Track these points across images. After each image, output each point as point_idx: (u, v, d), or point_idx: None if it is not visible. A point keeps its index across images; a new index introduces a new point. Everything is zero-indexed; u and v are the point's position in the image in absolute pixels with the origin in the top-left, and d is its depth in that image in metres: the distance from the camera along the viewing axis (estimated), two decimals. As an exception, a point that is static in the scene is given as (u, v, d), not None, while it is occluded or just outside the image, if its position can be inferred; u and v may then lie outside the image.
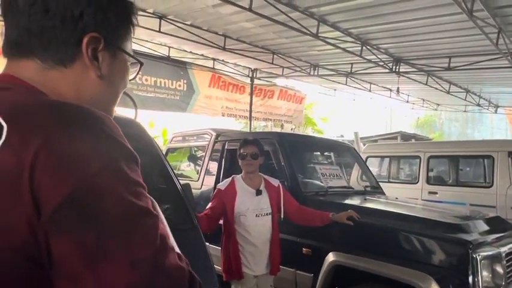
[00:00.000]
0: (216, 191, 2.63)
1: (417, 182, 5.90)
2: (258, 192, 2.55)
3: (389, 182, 6.13)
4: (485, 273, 2.11)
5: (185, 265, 0.51)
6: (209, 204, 2.54)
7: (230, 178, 2.63)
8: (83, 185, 0.46)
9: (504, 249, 2.27)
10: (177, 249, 0.54)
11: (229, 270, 2.50)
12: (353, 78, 9.24)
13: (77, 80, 0.59)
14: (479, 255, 2.10)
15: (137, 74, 0.71)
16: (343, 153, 4.58)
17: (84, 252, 0.45)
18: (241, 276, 2.47)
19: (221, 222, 2.60)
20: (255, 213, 2.51)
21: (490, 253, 2.17)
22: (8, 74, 0.57)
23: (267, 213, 2.54)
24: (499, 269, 2.18)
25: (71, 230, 0.45)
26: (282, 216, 2.60)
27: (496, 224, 2.68)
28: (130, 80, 0.68)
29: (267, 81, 9.73)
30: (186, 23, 6.03)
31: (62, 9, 0.56)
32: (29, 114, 0.49)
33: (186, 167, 5.16)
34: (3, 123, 0.48)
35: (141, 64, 0.70)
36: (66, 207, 0.45)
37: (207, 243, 2.08)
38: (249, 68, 9.05)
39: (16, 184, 0.45)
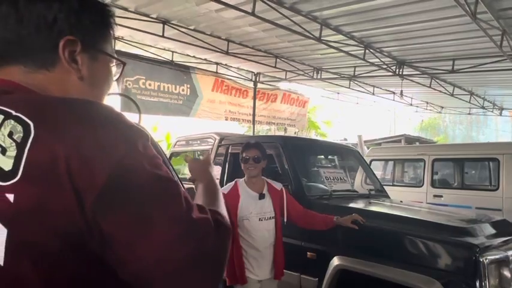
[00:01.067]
0: None
1: (422, 185, 5.87)
2: (261, 196, 2.54)
3: (393, 185, 6.10)
4: (492, 278, 2.09)
5: (208, 216, 0.61)
6: None
7: (233, 182, 2.63)
8: (117, 168, 0.52)
9: (511, 253, 2.24)
10: (200, 203, 0.65)
11: (233, 274, 2.48)
12: (356, 82, 9.23)
13: (61, 82, 0.62)
14: (486, 259, 2.07)
15: (121, 74, 0.75)
16: (347, 156, 4.56)
17: (133, 222, 0.52)
18: (245, 281, 2.45)
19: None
20: (258, 217, 2.50)
21: (497, 257, 2.14)
22: (2, 78, 0.60)
23: (270, 217, 2.53)
24: (507, 273, 2.16)
25: (117, 208, 0.52)
26: (285, 220, 2.59)
27: (502, 227, 2.65)
28: (113, 80, 0.71)
29: (270, 85, 9.74)
30: (190, 27, 6.07)
31: (35, 17, 0.59)
32: (49, 110, 0.54)
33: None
34: (28, 121, 0.52)
35: (124, 64, 0.74)
36: (109, 190, 0.51)
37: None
38: (252, 72, 9.07)
39: (55, 175, 0.50)
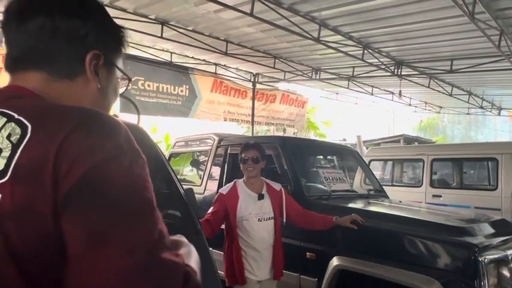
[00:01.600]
0: (218, 195, 2.61)
1: (421, 185, 5.88)
2: (260, 197, 2.54)
3: (392, 185, 6.11)
4: (491, 277, 2.09)
5: (181, 263, 0.54)
6: (211, 209, 2.52)
7: (232, 182, 2.63)
8: (94, 170, 0.50)
9: (510, 252, 2.24)
10: (178, 251, 0.58)
11: (232, 275, 2.49)
12: (355, 82, 9.24)
13: (79, 92, 0.65)
14: (485, 259, 2.08)
15: (126, 88, 0.80)
16: (346, 156, 4.56)
17: (86, 232, 0.48)
18: (245, 282, 2.45)
19: (223, 227, 2.59)
20: (257, 218, 2.50)
21: (496, 256, 2.15)
22: (16, 85, 0.62)
23: (269, 218, 2.53)
24: (506, 272, 2.16)
25: (77, 211, 0.49)
26: (284, 221, 2.59)
27: (501, 227, 2.65)
28: (120, 94, 0.76)
29: (269, 85, 9.74)
30: (188, 28, 6.07)
31: (69, 30, 0.63)
32: (50, 114, 0.55)
33: (188, 172, 5.16)
34: (27, 123, 0.53)
35: (130, 80, 0.79)
36: (77, 190, 0.49)
37: (210, 248, 2.07)
38: (251, 72, 9.08)
39: (41, 176, 0.50)
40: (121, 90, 0.76)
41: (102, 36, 0.66)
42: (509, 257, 2.21)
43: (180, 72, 7.81)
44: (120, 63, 0.73)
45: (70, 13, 0.63)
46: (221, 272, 2.48)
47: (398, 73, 7.60)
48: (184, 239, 0.69)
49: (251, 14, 4.83)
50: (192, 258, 0.64)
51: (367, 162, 4.99)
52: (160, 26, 5.84)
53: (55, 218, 0.49)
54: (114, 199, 0.50)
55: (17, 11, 0.62)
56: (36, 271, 0.51)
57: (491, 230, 2.51)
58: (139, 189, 0.53)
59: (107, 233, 0.48)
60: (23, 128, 0.53)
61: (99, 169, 0.50)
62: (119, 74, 0.73)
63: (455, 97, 9.96)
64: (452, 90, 9.48)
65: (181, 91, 7.87)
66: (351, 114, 20.91)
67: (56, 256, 0.50)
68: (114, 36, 0.70)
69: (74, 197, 0.49)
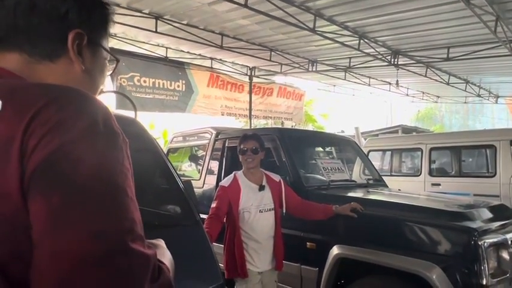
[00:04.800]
0: (220, 189, 2.57)
1: (420, 175, 5.88)
2: (261, 188, 2.53)
3: (391, 175, 6.11)
4: (491, 261, 2.10)
5: (152, 255, 0.51)
6: (214, 204, 2.48)
7: (232, 174, 2.61)
8: (61, 148, 0.48)
9: (510, 236, 2.25)
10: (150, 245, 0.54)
11: (233, 268, 2.47)
12: (352, 73, 9.22)
13: (62, 74, 0.62)
14: (485, 243, 2.08)
15: (114, 69, 0.77)
16: (344, 147, 4.55)
17: (48, 214, 0.45)
18: (246, 275, 2.44)
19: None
20: (258, 209, 2.49)
21: (495, 240, 2.15)
22: None
23: (269, 209, 2.53)
24: (506, 255, 2.17)
25: (41, 192, 0.46)
26: (284, 212, 2.59)
27: (500, 212, 2.66)
28: (108, 75, 0.74)
29: (265, 79, 9.71)
30: (183, 22, 6.02)
31: (48, 7, 0.60)
32: (22, 92, 0.53)
33: (187, 167, 5.15)
34: None
35: (118, 61, 0.76)
36: (41, 169, 0.47)
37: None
38: (247, 66, 9.04)
39: (8, 152, 0.48)
40: (109, 72, 0.73)
41: (85, 14, 0.63)
42: (509, 241, 2.22)
43: (176, 67, 7.77)
44: (106, 43, 0.70)
45: None
46: (220, 265, 2.48)
47: (395, 62, 7.57)
48: (161, 243, 0.66)
49: (246, 6, 4.80)
50: (166, 258, 0.61)
51: (365, 153, 4.98)
52: (154, 20, 5.79)
53: (24, 200, 0.47)
54: (80, 181, 0.47)
55: None
56: (6, 256, 0.48)
57: (490, 215, 2.52)
58: (110, 173, 0.49)
59: (70, 216, 0.45)
60: None
61: (67, 148, 0.48)
62: (106, 54, 0.70)
63: (452, 86, 9.95)
64: (449, 78, 9.47)
65: (178, 86, 7.84)
66: (348, 106, 20.89)
67: (27, 241, 0.47)
68: (98, 15, 0.67)
69: (38, 176, 0.46)
